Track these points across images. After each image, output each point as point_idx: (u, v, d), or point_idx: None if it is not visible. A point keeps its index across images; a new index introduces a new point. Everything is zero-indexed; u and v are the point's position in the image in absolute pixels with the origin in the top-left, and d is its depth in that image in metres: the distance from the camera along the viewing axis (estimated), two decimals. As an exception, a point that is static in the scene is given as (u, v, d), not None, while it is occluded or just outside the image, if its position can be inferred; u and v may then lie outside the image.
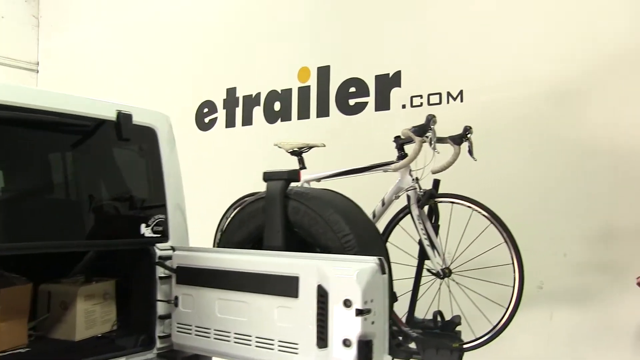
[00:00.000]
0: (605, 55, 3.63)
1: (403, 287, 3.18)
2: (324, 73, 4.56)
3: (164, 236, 3.13)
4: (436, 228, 3.10)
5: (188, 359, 3.05)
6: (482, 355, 4.00)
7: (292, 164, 3.35)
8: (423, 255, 3.10)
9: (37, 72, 6.93)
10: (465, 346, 2.91)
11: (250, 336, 2.73)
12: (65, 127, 2.86)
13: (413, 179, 3.06)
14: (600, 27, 3.63)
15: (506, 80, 3.88)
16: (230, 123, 5.05)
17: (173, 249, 3.07)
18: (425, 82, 4.11)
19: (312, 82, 4.61)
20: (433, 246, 3.02)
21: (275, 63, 4.86)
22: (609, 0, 3.66)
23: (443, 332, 3.08)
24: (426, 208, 3.09)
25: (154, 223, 3.11)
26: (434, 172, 3.17)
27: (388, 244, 3.21)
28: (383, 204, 3.17)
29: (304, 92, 4.65)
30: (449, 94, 4.03)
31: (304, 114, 4.62)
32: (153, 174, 3.18)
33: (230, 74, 5.13)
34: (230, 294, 2.80)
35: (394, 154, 3.15)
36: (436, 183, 3.14)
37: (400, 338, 3.09)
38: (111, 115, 2.94)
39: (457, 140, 3.11)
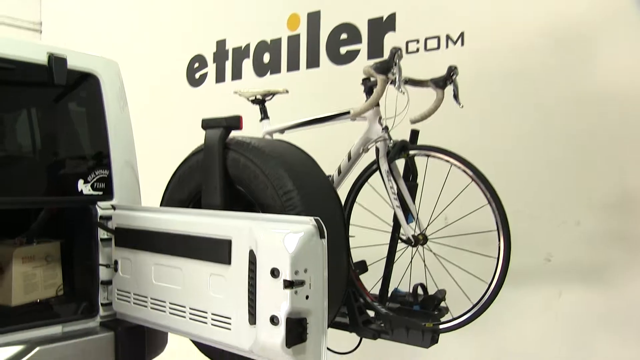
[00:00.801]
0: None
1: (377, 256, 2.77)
2: (314, 19, 4.10)
3: (106, 194, 2.80)
4: (412, 188, 2.65)
5: (132, 329, 2.73)
6: (480, 335, 3.57)
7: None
8: (398, 219, 2.66)
9: (41, 32, 6.72)
10: (440, 327, 2.49)
11: (184, 307, 2.38)
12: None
13: (383, 128, 2.60)
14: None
15: (512, 20, 3.33)
16: (220, 78, 4.68)
17: (113, 207, 2.74)
18: (423, 24, 3.58)
19: (302, 30, 4.16)
20: (406, 208, 2.58)
21: (264, 11, 4.43)
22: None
23: (423, 308, 2.67)
24: (401, 163, 2.65)
25: (95, 179, 2.79)
26: (412, 122, 2.71)
27: (357, 206, 2.80)
28: (349, 158, 2.73)
29: (293, 41, 4.21)
30: (448, 37, 3.50)
31: (293, 65, 4.19)
32: (94, 126, 2.85)
33: (220, 25, 4.75)
34: (164, 259, 2.46)
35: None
36: (414, 134, 2.69)
37: (371, 314, 2.71)
38: (43, 59, 2.61)
39: (440, 83, 2.64)
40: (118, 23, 5.78)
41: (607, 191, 3.08)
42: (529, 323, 3.38)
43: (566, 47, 3.17)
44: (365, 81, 2.69)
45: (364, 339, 2.71)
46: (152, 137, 4.41)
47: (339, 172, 2.77)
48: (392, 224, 2.70)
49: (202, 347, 2.55)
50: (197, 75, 4.91)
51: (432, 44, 3.57)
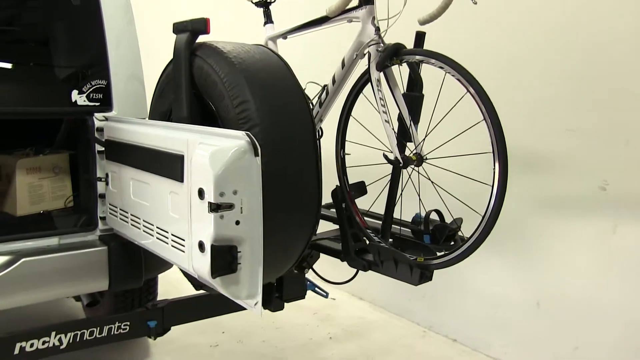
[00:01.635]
0: None
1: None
2: None
3: (105, 105, 2.69)
4: (415, 100, 2.25)
5: (128, 244, 2.68)
6: (524, 271, 3.15)
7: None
8: (402, 137, 2.29)
9: None
10: (433, 262, 2.15)
11: (152, 225, 2.25)
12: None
13: (375, 30, 2.19)
14: None
15: None
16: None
17: (105, 119, 2.63)
18: None
19: None
20: (401, 126, 2.20)
21: None
22: None
23: (433, 239, 2.33)
24: (400, 71, 2.24)
25: (90, 90, 2.67)
26: (421, 23, 2.28)
27: (352, 122, 2.46)
28: (343, 65, 2.36)
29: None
30: None
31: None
32: (91, 33, 2.70)
33: None
34: (138, 174, 2.32)
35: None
36: (419, 37, 2.25)
37: (367, 242, 2.42)
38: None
39: (451, -28, 2.16)
40: None
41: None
42: (579, 260, 2.90)
43: None
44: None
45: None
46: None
47: (333, 81, 2.41)
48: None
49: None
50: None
51: None
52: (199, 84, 2.15)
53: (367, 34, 2.22)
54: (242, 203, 1.71)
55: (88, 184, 2.73)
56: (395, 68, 2.20)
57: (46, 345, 2.19)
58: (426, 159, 2.16)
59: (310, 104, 2.46)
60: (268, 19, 2.73)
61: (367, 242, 2.37)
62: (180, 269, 2.36)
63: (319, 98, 2.50)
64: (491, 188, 1.93)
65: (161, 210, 2.15)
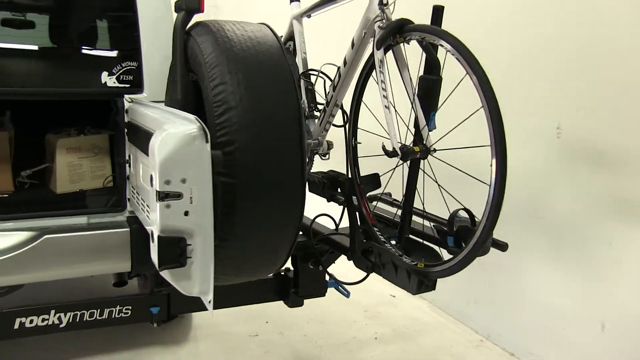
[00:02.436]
0: None
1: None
2: None
3: (135, 87, 2.69)
4: (430, 83, 1.97)
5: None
6: (586, 285, 2.73)
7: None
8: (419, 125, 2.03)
9: None
10: (432, 270, 1.89)
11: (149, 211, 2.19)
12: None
13: (379, 4, 1.94)
14: None
15: None
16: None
17: (131, 101, 2.62)
18: None
19: None
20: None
21: None
22: None
23: (456, 242, 2.07)
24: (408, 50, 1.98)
25: (120, 72, 2.68)
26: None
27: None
28: (352, 45, 2.13)
29: None
30: None
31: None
32: (122, 15, 2.70)
33: None
34: (143, 157, 2.28)
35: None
36: (436, 11, 1.97)
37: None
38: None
39: None
40: None
41: None
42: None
43: None
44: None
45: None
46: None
47: (344, 62, 2.20)
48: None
49: None
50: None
51: None
52: (192, 65, 2.04)
53: (372, 9, 1.98)
54: (192, 193, 1.59)
55: (119, 165, 2.76)
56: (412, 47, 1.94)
57: (45, 322, 2.23)
58: (434, 150, 1.89)
59: (308, 87, 2.26)
60: (294, -4, 2.57)
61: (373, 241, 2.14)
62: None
63: (332, 81, 2.30)
64: (489, 188, 1.63)
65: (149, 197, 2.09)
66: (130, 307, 2.34)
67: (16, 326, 2.19)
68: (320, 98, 2.47)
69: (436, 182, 1.98)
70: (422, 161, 1.97)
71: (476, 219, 2.17)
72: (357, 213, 2.19)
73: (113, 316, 2.32)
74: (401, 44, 1.93)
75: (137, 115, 2.37)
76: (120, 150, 2.70)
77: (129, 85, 2.67)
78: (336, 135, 2.44)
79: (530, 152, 2.97)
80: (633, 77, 2.50)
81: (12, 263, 2.38)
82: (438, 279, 1.91)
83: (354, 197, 2.20)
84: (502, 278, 3.24)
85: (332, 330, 3.49)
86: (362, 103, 2.22)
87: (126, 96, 2.62)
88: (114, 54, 2.70)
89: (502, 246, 2.34)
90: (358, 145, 2.26)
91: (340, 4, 2.27)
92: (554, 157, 2.83)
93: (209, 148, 1.57)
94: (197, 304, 2.57)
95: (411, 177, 2.13)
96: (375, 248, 2.08)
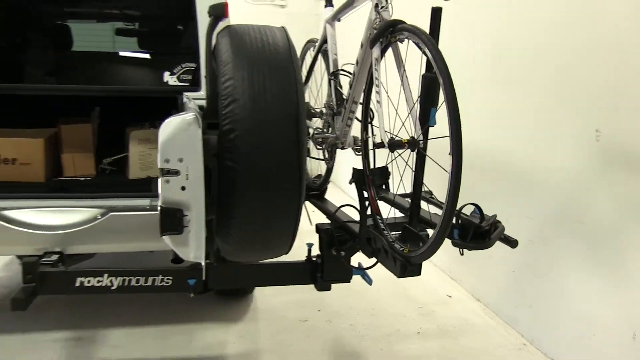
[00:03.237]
0: None
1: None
2: None
3: (193, 85, 3.04)
4: (429, 81, 2.08)
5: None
6: (620, 293, 2.65)
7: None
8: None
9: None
10: (412, 255, 2.01)
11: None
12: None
13: (374, 6, 2.08)
14: None
15: None
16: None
17: (188, 100, 2.97)
18: None
19: None
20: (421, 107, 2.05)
21: None
22: None
23: (460, 235, 2.17)
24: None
25: (181, 72, 3.05)
26: None
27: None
28: (361, 46, 2.28)
29: None
30: None
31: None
32: (186, 24, 3.07)
33: None
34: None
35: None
36: (434, 13, 2.08)
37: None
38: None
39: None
40: None
41: None
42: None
43: None
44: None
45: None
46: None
47: (356, 62, 2.36)
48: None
49: None
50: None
51: None
52: (215, 63, 2.32)
53: (372, 12, 2.13)
54: (188, 170, 1.85)
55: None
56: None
57: (100, 284, 2.60)
58: (421, 143, 2.00)
59: (336, 86, 2.44)
60: (328, 2, 2.76)
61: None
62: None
63: (350, 81, 2.47)
64: (448, 177, 1.73)
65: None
66: (171, 277, 2.65)
67: (77, 284, 2.59)
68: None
69: (443, 169, 2.09)
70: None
71: (485, 215, 2.26)
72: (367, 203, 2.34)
73: (156, 284, 2.64)
74: (398, 43, 2.06)
75: (183, 110, 2.70)
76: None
77: (187, 84, 3.03)
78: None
79: (569, 156, 2.93)
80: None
81: (84, 234, 2.81)
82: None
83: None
84: (548, 283, 3.20)
85: (379, 322, 3.62)
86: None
87: (186, 94, 2.98)
88: (176, 57, 3.06)
89: (512, 242, 2.39)
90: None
91: (357, 8, 2.44)
92: (593, 160, 2.78)
93: (200, 133, 1.83)
94: (231, 280, 2.88)
95: (418, 168, 2.24)
96: (372, 235, 2.22)
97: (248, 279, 2.85)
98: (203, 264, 1.94)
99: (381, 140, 2.00)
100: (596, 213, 2.80)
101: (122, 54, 3.30)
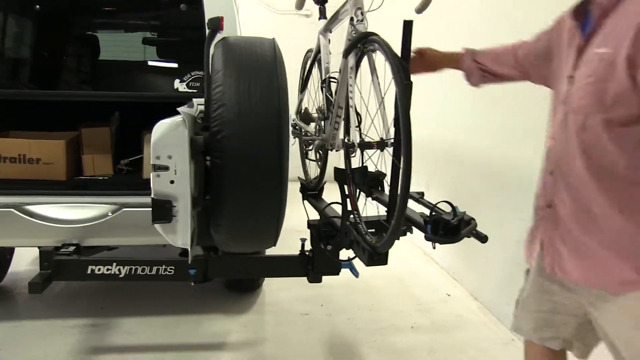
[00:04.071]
0: None
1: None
2: None
3: (201, 91, 3.29)
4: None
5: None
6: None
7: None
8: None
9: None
10: (378, 246, 2.20)
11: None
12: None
13: (350, 20, 2.29)
14: None
15: None
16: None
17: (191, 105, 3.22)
18: None
19: None
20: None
21: None
22: None
23: (432, 230, 2.37)
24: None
25: (190, 79, 3.32)
26: (417, 12, 2.32)
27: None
28: (343, 55, 2.49)
29: None
30: None
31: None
32: (193, 32, 3.33)
33: None
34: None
35: None
36: (405, 26, 2.28)
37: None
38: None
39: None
40: None
41: None
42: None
43: None
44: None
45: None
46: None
47: (339, 71, 2.56)
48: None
49: None
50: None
51: None
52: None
53: (349, 24, 2.35)
54: (176, 167, 2.10)
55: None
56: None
57: (109, 272, 2.87)
58: (389, 144, 2.20)
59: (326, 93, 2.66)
60: (322, 15, 2.98)
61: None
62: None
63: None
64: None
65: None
66: (173, 267, 2.91)
67: (88, 272, 2.86)
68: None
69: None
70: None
71: (457, 210, 2.44)
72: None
73: (160, 273, 2.90)
74: (371, 53, 2.27)
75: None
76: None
77: (196, 91, 3.29)
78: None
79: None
80: None
81: (99, 228, 3.09)
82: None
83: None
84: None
85: (377, 317, 3.81)
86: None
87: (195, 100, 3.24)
88: (185, 65, 3.33)
89: (482, 238, 2.56)
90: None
91: (342, 21, 2.65)
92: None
93: (187, 133, 2.07)
94: (229, 271, 3.10)
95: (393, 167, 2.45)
96: (344, 227, 2.43)
97: (244, 270, 3.07)
98: (189, 250, 2.17)
99: (352, 141, 2.21)
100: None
101: (141, 62, 3.59)
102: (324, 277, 3.01)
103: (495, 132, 3.93)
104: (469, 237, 2.48)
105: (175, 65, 3.55)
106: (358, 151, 2.27)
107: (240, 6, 3.57)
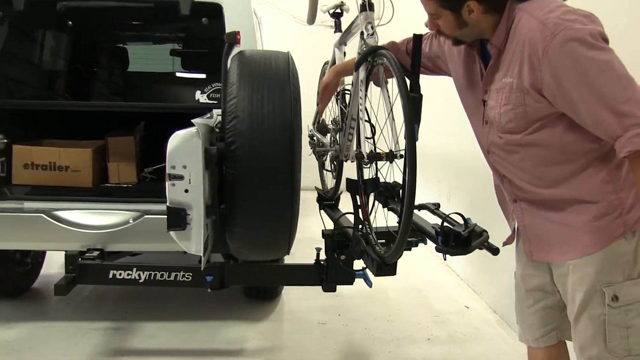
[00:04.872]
0: None
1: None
2: None
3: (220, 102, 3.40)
4: (413, 101, 2.33)
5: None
6: None
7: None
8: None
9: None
10: (386, 256, 2.24)
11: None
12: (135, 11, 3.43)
13: (360, 35, 2.35)
14: None
15: None
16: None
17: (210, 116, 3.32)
18: None
19: None
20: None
21: None
22: None
23: (443, 241, 2.40)
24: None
25: (211, 90, 3.42)
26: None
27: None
28: (354, 69, 2.54)
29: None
30: None
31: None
32: (215, 43, 3.44)
33: None
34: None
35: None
36: (415, 40, 2.32)
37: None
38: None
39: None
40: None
41: None
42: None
43: None
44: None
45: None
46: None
47: (352, 83, 2.62)
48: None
49: None
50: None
51: None
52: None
53: (360, 38, 2.41)
54: (190, 176, 2.18)
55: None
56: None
57: (130, 276, 2.97)
58: (400, 156, 2.24)
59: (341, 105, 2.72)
60: (337, 29, 3.05)
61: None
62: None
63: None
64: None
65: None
66: (191, 274, 2.99)
67: (110, 276, 2.97)
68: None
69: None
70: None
71: (469, 222, 2.46)
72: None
73: (178, 279, 2.99)
74: (380, 66, 2.32)
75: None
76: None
77: (216, 102, 3.39)
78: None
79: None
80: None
81: (121, 234, 3.20)
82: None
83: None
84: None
85: (393, 328, 3.83)
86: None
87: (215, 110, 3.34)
88: (206, 77, 3.44)
89: (494, 250, 2.57)
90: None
91: (355, 34, 2.71)
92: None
93: (200, 144, 2.15)
94: (247, 278, 3.17)
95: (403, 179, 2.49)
96: (354, 237, 2.47)
97: (260, 278, 3.14)
98: (202, 256, 2.25)
99: (362, 152, 2.26)
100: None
101: (166, 73, 3.72)
102: (342, 287, 3.05)
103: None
104: (480, 249, 2.50)
105: (197, 76, 3.66)
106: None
107: (268, 18, 3.67)
